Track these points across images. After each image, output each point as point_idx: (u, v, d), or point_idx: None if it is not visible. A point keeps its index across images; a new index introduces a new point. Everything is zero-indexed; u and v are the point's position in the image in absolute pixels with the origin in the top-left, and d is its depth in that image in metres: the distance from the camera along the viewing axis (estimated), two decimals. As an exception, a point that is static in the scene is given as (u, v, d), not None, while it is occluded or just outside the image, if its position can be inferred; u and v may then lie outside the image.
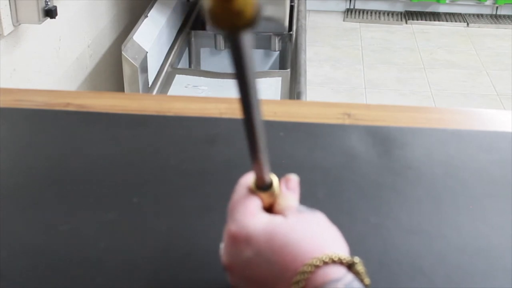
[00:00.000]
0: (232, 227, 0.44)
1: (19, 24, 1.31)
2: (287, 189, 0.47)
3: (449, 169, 0.65)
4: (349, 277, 0.40)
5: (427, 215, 0.58)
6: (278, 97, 1.84)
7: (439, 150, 0.69)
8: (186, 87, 1.90)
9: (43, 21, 1.30)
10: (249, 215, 0.44)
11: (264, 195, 0.46)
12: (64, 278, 0.51)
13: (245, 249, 0.43)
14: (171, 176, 0.64)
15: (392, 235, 0.56)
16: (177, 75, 1.96)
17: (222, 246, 0.47)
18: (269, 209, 0.46)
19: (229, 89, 1.90)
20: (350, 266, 0.41)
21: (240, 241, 0.43)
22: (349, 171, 0.65)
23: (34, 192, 0.61)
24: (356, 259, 0.41)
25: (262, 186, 0.45)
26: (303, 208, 0.46)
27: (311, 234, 0.43)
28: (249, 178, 0.47)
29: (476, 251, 0.54)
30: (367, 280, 0.41)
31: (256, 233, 0.43)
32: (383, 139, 0.70)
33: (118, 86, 2.01)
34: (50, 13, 1.31)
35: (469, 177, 0.64)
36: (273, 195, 0.46)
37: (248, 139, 0.42)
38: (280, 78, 1.94)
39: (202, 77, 1.96)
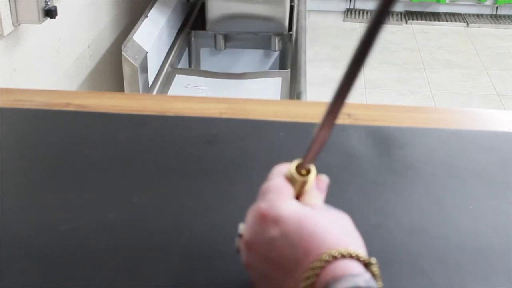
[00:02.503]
0: (263, 205, 0.45)
1: (19, 24, 1.31)
2: (316, 188, 0.48)
3: (449, 169, 0.65)
4: (367, 275, 0.40)
5: (427, 215, 0.58)
6: (278, 97, 1.84)
7: (439, 150, 0.69)
8: (186, 87, 1.90)
9: (43, 21, 1.30)
10: (282, 198, 0.45)
11: (298, 182, 0.47)
12: (64, 278, 0.51)
13: (272, 228, 0.43)
14: (171, 176, 0.64)
15: (393, 235, 0.56)
16: (177, 75, 1.96)
17: (242, 227, 0.47)
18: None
19: (229, 89, 1.90)
20: (366, 266, 0.41)
21: (268, 219, 0.44)
22: (349, 171, 0.65)
23: (34, 192, 0.61)
24: (373, 260, 0.41)
25: (302, 168, 0.46)
26: (330, 208, 0.47)
27: (338, 230, 0.43)
28: (283, 168, 0.48)
29: (476, 251, 0.54)
30: (380, 283, 0.41)
31: (286, 215, 0.43)
32: (383, 139, 0.70)
33: (118, 86, 2.01)
34: (50, 13, 1.31)
35: (469, 177, 0.64)
36: (305, 185, 0.47)
37: (332, 106, 0.43)
38: (280, 78, 1.94)
39: (202, 77, 1.96)
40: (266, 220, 0.44)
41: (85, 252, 0.53)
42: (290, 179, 0.47)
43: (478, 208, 0.60)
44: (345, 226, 0.45)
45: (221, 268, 0.51)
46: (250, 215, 0.46)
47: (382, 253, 0.53)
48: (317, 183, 0.49)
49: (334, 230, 0.43)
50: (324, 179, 0.50)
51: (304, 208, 0.45)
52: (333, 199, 0.61)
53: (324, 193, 0.49)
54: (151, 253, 0.53)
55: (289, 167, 0.47)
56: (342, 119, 0.75)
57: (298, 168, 0.47)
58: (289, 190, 0.46)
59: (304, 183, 0.47)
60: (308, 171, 0.47)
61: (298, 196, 0.47)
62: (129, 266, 0.52)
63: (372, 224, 0.57)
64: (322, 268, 0.40)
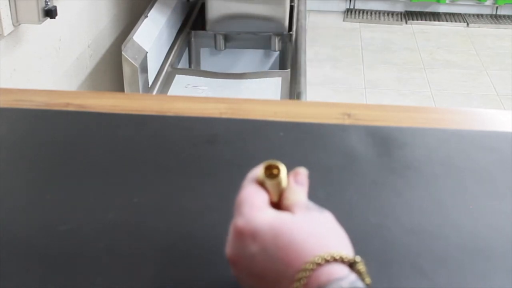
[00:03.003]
0: (238, 221, 0.44)
1: (19, 24, 1.31)
2: (296, 183, 0.47)
3: (449, 169, 0.65)
4: (352, 276, 0.40)
5: (427, 215, 0.58)
6: (278, 97, 1.84)
7: (439, 150, 0.69)
8: (186, 87, 1.90)
9: (43, 21, 1.30)
10: (256, 210, 0.44)
11: (271, 185, 0.46)
12: (64, 278, 0.51)
13: (251, 244, 0.43)
14: (171, 176, 0.64)
15: (393, 235, 0.56)
16: (177, 75, 1.96)
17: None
18: (277, 203, 0.46)
19: (229, 89, 1.90)
20: (351, 265, 0.41)
21: (246, 236, 0.43)
22: (349, 171, 0.65)
23: (34, 192, 0.61)
24: (357, 258, 0.41)
25: (273, 168, 0.45)
26: (312, 205, 0.46)
27: (317, 233, 0.43)
28: (256, 172, 0.47)
29: (476, 251, 0.54)
30: (368, 280, 0.41)
31: (262, 228, 0.43)
32: (383, 139, 0.70)
33: (118, 86, 2.01)
34: (50, 13, 1.31)
35: (469, 177, 0.64)
36: (280, 185, 0.46)
37: None
38: (280, 78, 1.94)
39: (202, 77, 1.97)
40: (243, 236, 0.43)
41: (85, 252, 0.53)
42: (263, 184, 0.46)
43: (478, 208, 0.60)
44: (326, 225, 0.44)
45: (221, 268, 0.51)
46: (230, 231, 0.45)
47: (382, 253, 0.54)
48: (295, 177, 0.47)
49: (313, 234, 0.42)
50: (302, 172, 0.48)
51: (280, 217, 0.44)
52: (333, 199, 0.61)
53: (305, 186, 0.48)
54: (151, 253, 0.53)
55: (259, 171, 0.46)
56: (342, 119, 0.75)
57: (268, 169, 0.46)
58: (262, 198, 0.45)
59: (277, 184, 0.46)
60: (279, 170, 0.46)
61: (279, 196, 0.46)
62: (129, 266, 0.52)
63: (372, 224, 0.57)
64: (307, 277, 0.40)
